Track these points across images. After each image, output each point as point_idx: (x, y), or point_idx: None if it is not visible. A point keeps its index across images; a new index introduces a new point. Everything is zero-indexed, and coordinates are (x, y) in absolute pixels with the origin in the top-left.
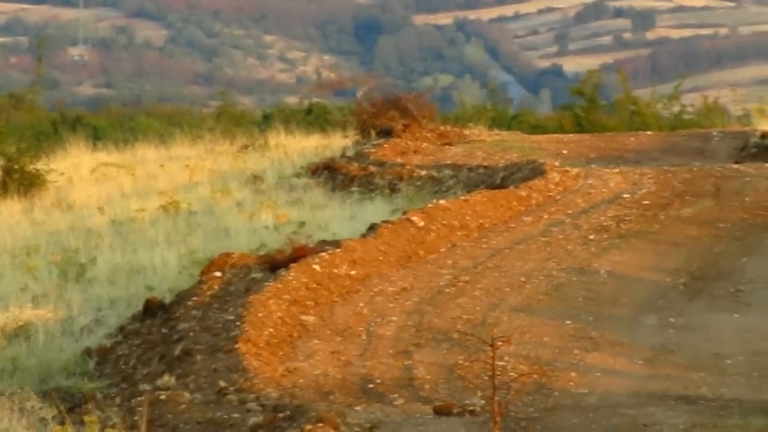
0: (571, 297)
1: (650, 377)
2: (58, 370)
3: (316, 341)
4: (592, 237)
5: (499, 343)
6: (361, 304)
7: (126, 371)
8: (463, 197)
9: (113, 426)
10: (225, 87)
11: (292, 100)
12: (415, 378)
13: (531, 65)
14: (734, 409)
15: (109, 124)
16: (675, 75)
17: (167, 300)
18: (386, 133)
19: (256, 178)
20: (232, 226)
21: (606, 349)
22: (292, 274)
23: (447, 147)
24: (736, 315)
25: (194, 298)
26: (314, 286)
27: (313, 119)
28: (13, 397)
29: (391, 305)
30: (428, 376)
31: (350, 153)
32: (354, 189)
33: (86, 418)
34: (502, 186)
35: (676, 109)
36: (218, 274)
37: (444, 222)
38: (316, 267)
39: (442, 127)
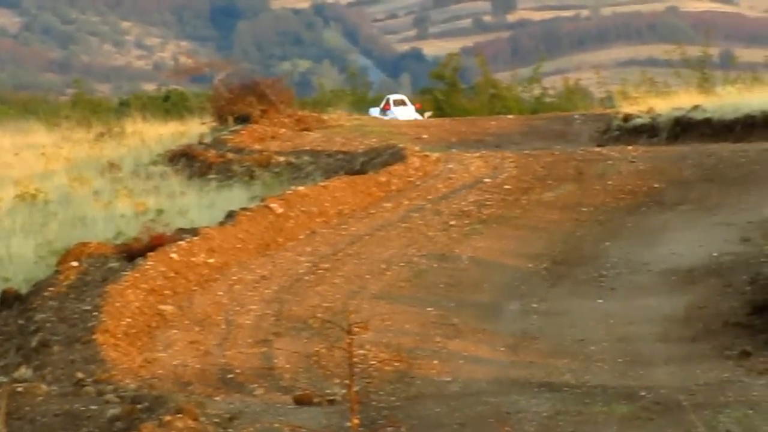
0: (432, 283)
1: (513, 364)
2: None
3: (175, 331)
4: (453, 223)
5: (357, 330)
6: (219, 293)
7: None
8: (322, 183)
9: None
10: (81, 74)
11: (149, 87)
12: (275, 367)
13: (390, 49)
14: (598, 396)
15: None
16: (536, 58)
17: (23, 291)
18: (244, 120)
19: (113, 166)
20: (89, 215)
21: (468, 336)
22: (150, 263)
23: (306, 132)
24: (599, 300)
25: (51, 289)
26: (172, 275)
27: (171, 106)
28: None
29: (250, 294)
30: (288, 366)
31: (208, 140)
32: (212, 176)
33: None
34: (361, 172)
35: (537, 92)
36: (75, 263)
37: (303, 209)
38: (174, 255)
39: (300, 113)
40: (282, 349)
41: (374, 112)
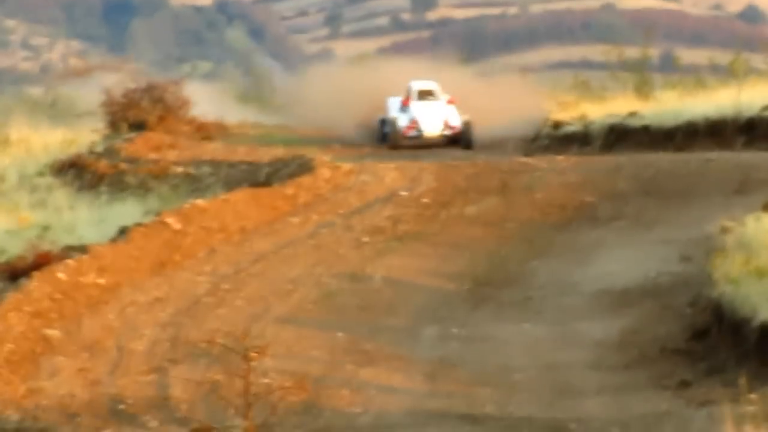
0: (342, 306)
1: (430, 394)
2: None
3: (62, 358)
4: (365, 239)
5: (255, 356)
6: (110, 316)
7: None
8: (223, 196)
9: None
10: None
11: (36, 91)
12: (171, 397)
13: (299, 50)
14: (524, 428)
15: None
16: (458, 59)
17: None
18: (139, 127)
19: None
20: None
21: (382, 363)
22: (35, 283)
23: (206, 141)
24: (525, 324)
25: None
26: (59, 296)
27: (59, 111)
28: None
29: (144, 317)
30: (185, 395)
31: (99, 149)
32: (103, 189)
33: None
34: (266, 184)
35: None
36: None
37: (202, 224)
38: (61, 275)
39: (200, 120)
40: (178, 377)
41: (393, 107)
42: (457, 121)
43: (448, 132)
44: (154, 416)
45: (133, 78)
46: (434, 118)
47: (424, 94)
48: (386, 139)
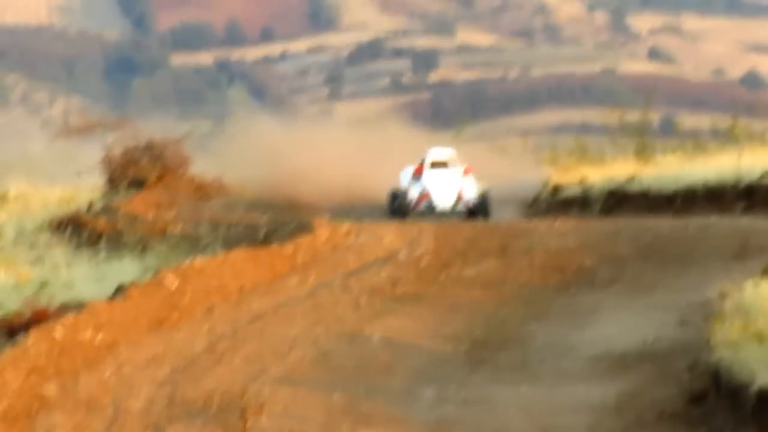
0: (340, 366)
1: None
2: None
3: (58, 415)
4: (364, 300)
5: (253, 416)
6: (107, 374)
7: None
8: (221, 256)
9: None
10: None
11: (35, 147)
12: None
13: (300, 110)
14: None
15: None
16: (459, 120)
17: None
18: (138, 184)
19: None
20: None
21: (379, 424)
22: (32, 339)
23: (205, 200)
24: (523, 387)
25: None
26: (56, 353)
27: (58, 168)
28: None
29: (140, 375)
30: None
31: (98, 206)
32: (102, 246)
33: None
34: (265, 243)
35: None
36: None
37: (200, 283)
38: (58, 332)
39: (200, 179)
40: None
41: (405, 177)
42: (472, 193)
43: (462, 205)
44: None
45: (133, 136)
46: (447, 190)
47: (438, 164)
48: (397, 213)
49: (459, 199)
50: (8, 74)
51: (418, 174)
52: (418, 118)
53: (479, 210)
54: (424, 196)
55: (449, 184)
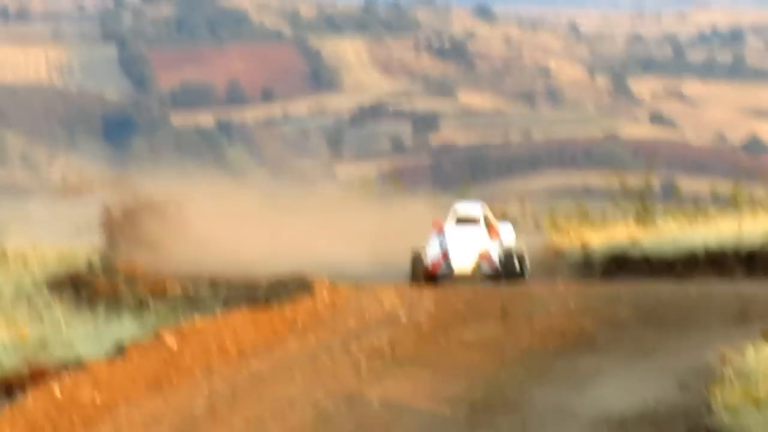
0: (339, 429)
1: None
2: None
3: None
4: (363, 362)
5: None
6: None
7: None
8: (221, 317)
9: None
10: None
11: (34, 206)
12: None
13: (300, 170)
14: None
15: None
16: (459, 183)
17: None
18: (138, 243)
19: None
20: None
21: None
22: (31, 398)
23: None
24: None
25: None
26: (54, 412)
27: (59, 226)
28: None
29: None
30: None
31: (97, 265)
32: (101, 305)
33: None
34: (265, 304)
35: None
36: None
37: (200, 343)
38: (57, 391)
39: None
40: None
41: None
42: (497, 255)
43: (486, 268)
44: None
45: (133, 195)
46: (468, 249)
47: (464, 220)
48: (417, 278)
49: (481, 259)
50: (7, 132)
51: (440, 231)
52: (419, 180)
53: (507, 272)
54: (442, 255)
55: (472, 243)
